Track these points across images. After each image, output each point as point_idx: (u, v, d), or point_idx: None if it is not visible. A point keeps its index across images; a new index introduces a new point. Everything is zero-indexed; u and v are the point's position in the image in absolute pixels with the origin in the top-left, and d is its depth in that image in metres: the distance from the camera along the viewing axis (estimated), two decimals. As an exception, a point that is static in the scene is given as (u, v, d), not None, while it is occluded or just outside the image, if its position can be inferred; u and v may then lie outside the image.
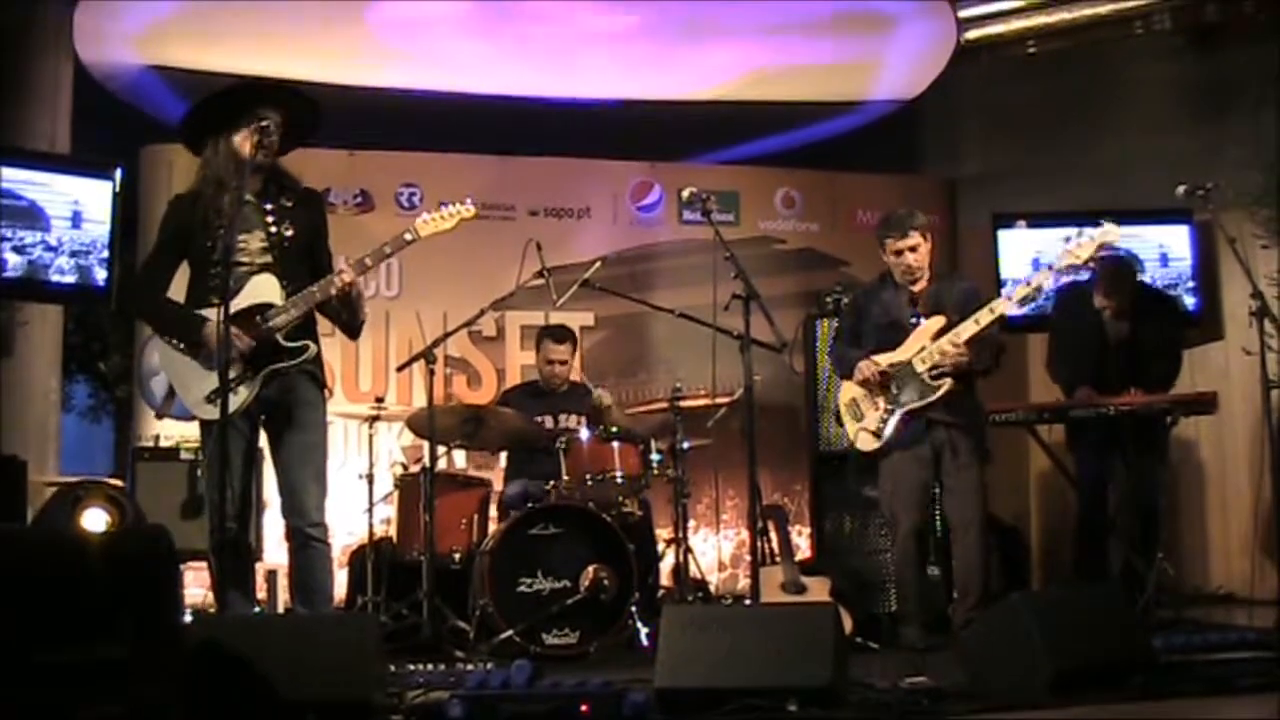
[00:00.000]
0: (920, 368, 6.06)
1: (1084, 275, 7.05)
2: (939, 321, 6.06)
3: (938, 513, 6.42)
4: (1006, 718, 4.09)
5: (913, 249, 6.15)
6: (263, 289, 4.94)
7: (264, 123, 4.91)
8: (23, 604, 3.54)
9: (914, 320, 6.14)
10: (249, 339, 4.86)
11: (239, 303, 4.85)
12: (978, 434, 6.13)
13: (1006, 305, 5.94)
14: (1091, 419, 6.85)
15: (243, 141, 4.92)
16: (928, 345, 6.04)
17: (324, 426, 5.13)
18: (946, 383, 6.04)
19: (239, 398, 4.84)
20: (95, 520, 6.45)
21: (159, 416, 5.98)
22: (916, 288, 6.19)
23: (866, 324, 6.31)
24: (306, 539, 4.97)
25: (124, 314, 5.14)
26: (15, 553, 3.71)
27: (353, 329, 5.23)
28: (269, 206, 5.00)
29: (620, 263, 8.44)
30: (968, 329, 5.96)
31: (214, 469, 4.81)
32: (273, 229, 4.99)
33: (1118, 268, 7.15)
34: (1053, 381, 7.28)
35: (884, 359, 6.11)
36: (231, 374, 4.76)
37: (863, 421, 6.20)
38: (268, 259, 4.97)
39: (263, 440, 5.16)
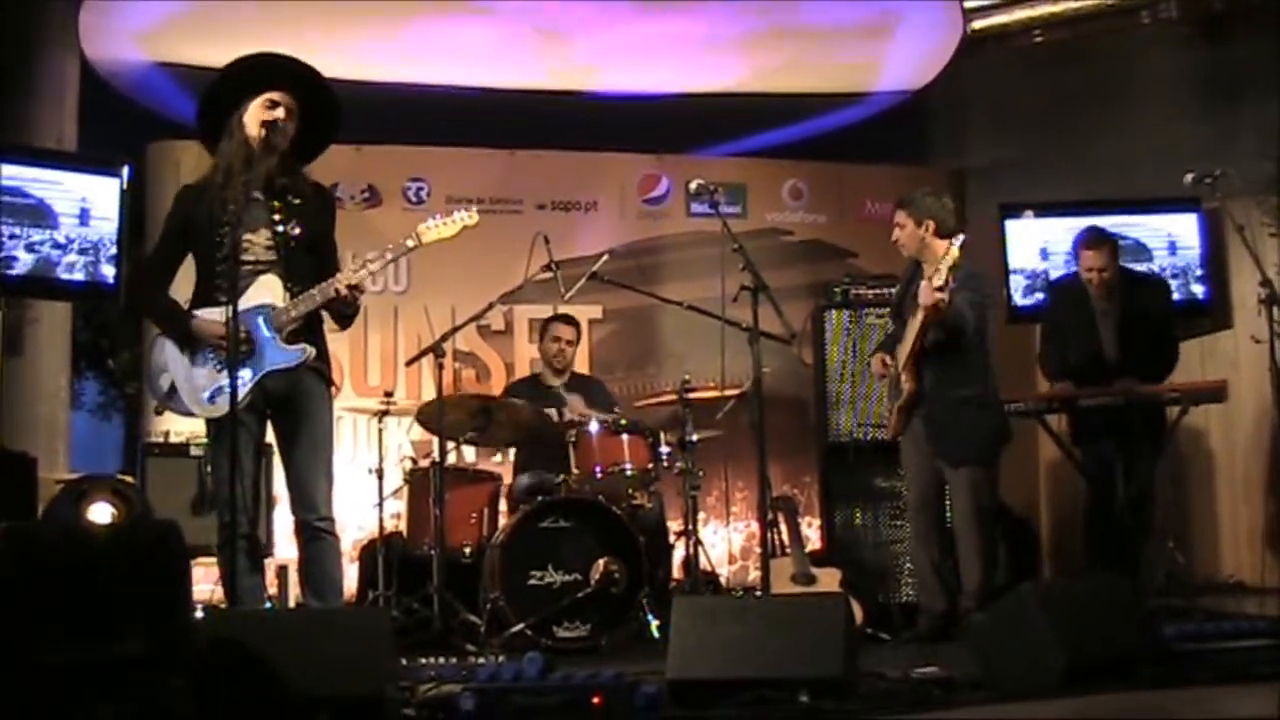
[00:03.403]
0: (899, 368, 6.12)
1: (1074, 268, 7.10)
2: (916, 321, 6.06)
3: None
4: (1018, 708, 4.09)
5: (899, 226, 6.22)
6: (264, 290, 4.93)
7: (272, 97, 4.92)
8: (33, 601, 3.55)
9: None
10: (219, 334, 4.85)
11: (242, 303, 4.84)
12: (959, 432, 6.09)
13: (923, 311, 5.88)
14: (1093, 409, 6.84)
15: (252, 121, 4.92)
16: (905, 342, 6.09)
17: (330, 422, 5.13)
18: (907, 386, 6.08)
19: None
20: (101, 513, 6.46)
21: (158, 411, 5.99)
22: (928, 275, 6.04)
23: (902, 312, 6.32)
24: (315, 532, 4.98)
25: (129, 309, 5.16)
26: (25, 549, 3.72)
27: (345, 324, 5.23)
28: (276, 204, 4.99)
29: (628, 255, 8.41)
30: (907, 342, 6.04)
31: (222, 465, 4.83)
32: (279, 227, 4.97)
33: (1093, 230, 7.14)
34: (1044, 376, 7.26)
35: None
36: (223, 373, 4.79)
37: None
38: (272, 258, 4.96)
39: (269, 436, 5.17)
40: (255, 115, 4.93)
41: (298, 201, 5.01)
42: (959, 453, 6.08)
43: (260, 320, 4.89)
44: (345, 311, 5.10)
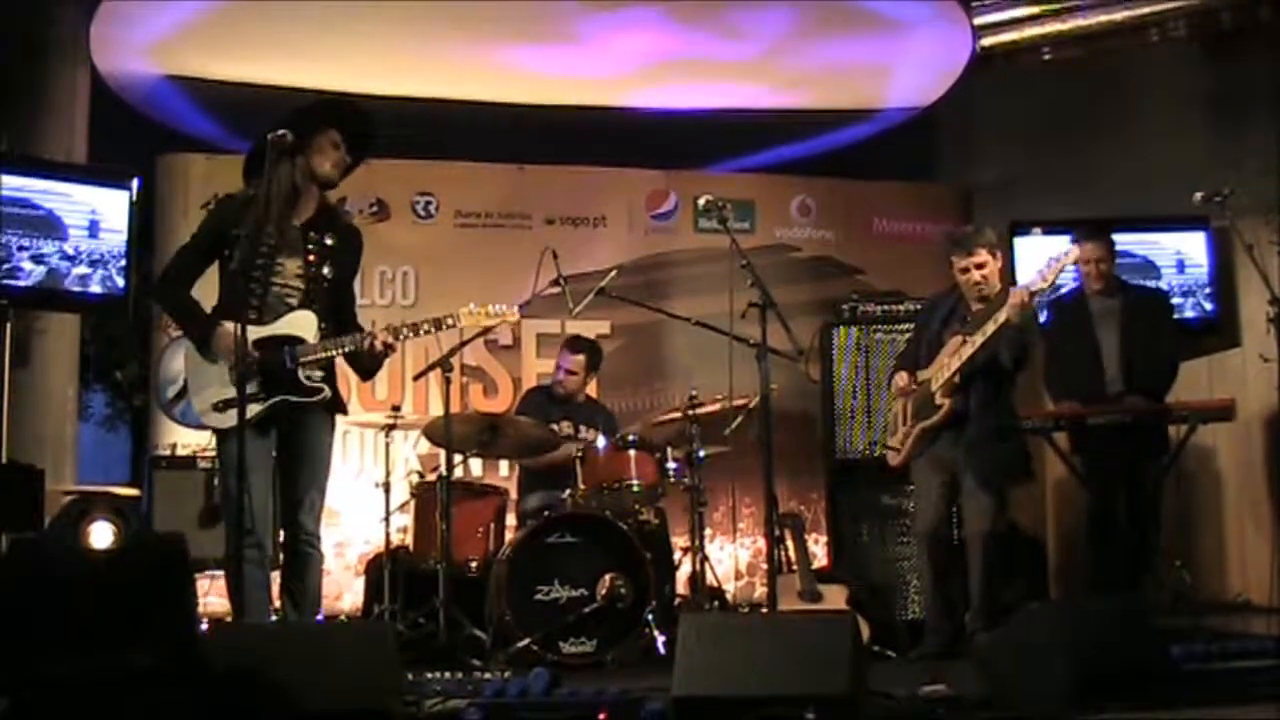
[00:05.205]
0: (933, 387, 6.08)
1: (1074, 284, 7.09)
2: (958, 341, 6.04)
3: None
4: (1025, 727, 4.09)
5: (979, 266, 6.11)
6: (300, 324, 5.02)
7: (335, 138, 5.07)
8: (37, 615, 3.55)
9: (954, 336, 6.13)
10: (261, 358, 4.91)
11: (275, 329, 4.94)
12: (992, 456, 6.05)
13: (1010, 311, 5.81)
14: (1095, 428, 6.83)
15: (318, 157, 5.04)
16: (945, 363, 6.06)
17: (330, 445, 5.22)
18: (945, 403, 6.06)
19: (247, 413, 4.85)
20: (102, 534, 6.44)
21: (173, 413, 6.03)
22: (981, 306, 6.12)
23: (925, 334, 6.31)
24: (301, 545, 5.06)
25: (157, 299, 5.22)
26: (29, 564, 3.73)
27: (368, 376, 5.42)
28: (313, 235, 5.06)
29: (636, 271, 8.42)
30: (969, 347, 5.96)
31: (230, 478, 4.86)
32: (311, 261, 5.07)
33: (1089, 224, 7.13)
34: (1047, 394, 7.24)
35: (921, 374, 6.14)
36: (249, 388, 4.81)
37: (895, 436, 6.26)
38: (301, 288, 5.05)
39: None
40: (323, 154, 5.06)
41: (331, 242, 5.09)
42: (989, 474, 6.05)
43: (287, 350, 4.95)
44: (371, 367, 5.22)
